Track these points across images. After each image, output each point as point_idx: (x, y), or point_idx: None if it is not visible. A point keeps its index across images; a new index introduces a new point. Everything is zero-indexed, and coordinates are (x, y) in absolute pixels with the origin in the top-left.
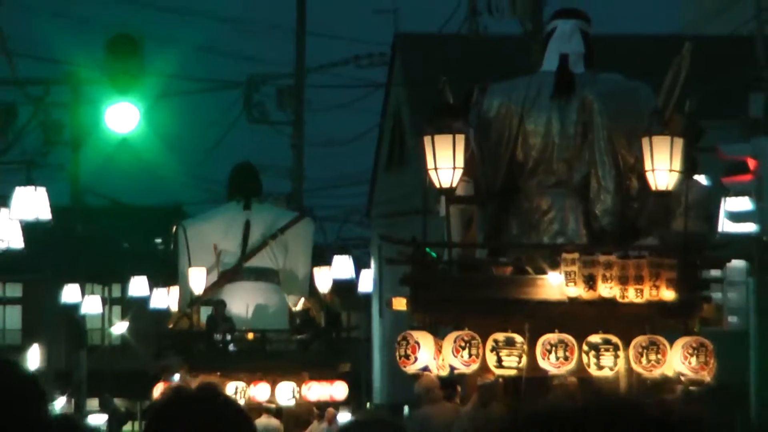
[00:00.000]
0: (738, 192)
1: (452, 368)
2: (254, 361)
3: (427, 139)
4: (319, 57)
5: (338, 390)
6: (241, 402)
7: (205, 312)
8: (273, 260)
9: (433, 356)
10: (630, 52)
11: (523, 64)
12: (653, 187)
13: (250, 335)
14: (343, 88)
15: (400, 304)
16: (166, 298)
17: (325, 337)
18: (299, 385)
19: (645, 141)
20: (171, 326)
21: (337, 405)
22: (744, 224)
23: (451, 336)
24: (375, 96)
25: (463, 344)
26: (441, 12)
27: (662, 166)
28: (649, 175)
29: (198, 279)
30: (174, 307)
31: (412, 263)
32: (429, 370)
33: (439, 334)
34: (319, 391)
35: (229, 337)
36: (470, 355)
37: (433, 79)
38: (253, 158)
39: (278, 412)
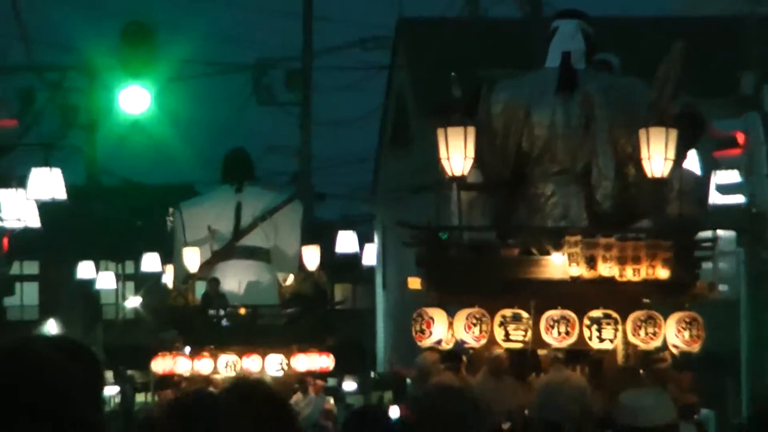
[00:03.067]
0: (728, 166)
1: (462, 342)
2: (246, 335)
3: (440, 131)
4: (326, 40)
5: (325, 362)
6: (232, 374)
7: (199, 289)
8: (264, 240)
9: (445, 331)
10: (627, 33)
11: (521, 46)
12: (649, 174)
13: (242, 310)
14: (348, 70)
15: (415, 283)
16: (165, 276)
17: (313, 312)
18: (288, 358)
19: (642, 132)
20: (169, 302)
21: (323, 376)
22: (734, 196)
23: (463, 313)
24: (379, 77)
25: (474, 321)
26: None
27: (658, 155)
28: (645, 163)
29: (193, 258)
30: (171, 285)
31: (426, 246)
32: (441, 344)
33: (448, 310)
34: (306, 362)
35: (222, 313)
36: (480, 331)
37: (434, 61)
38: (262, 138)
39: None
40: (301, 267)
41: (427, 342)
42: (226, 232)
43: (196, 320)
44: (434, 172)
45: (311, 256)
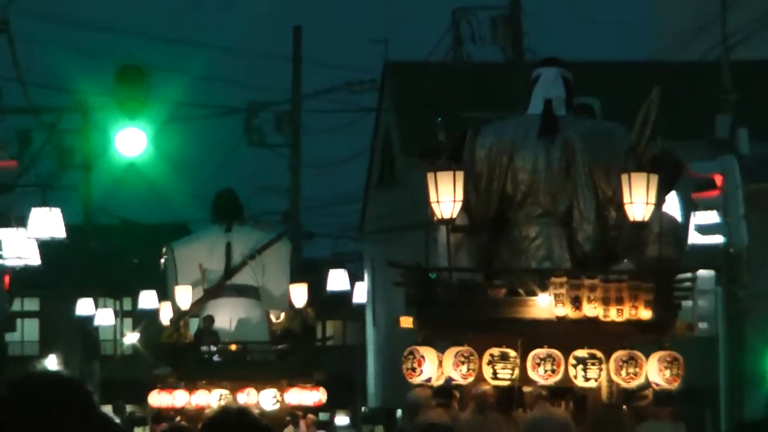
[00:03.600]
0: (706, 206)
1: (450, 379)
2: (237, 371)
3: (429, 175)
4: (315, 83)
5: (317, 396)
6: None
7: (193, 326)
8: (253, 278)
9: (435, 369)
10: (607, 77)
11: (503, 89)
12: (631, 218)
13: (233, 347)
14: (336, 112)
15: (407, 322)
16: (161, 313)
17: (301, 348)
18: (280, 392)
19: (624, 177)
20: (163, 339)
21: (314, 410)
22: (712, 236)
23: (452, 351)
24: (367, 120)
25: (463, 359)
26: (428, 41)
27: (639, 199)
28: (627, 207)
29: (185, 296)
30: (165, 322)
31: (416, 286)
32: (431, 381)
33: (438, 348)
34: (298, 396)
35: (214, 349)
36: (468, 369)
37: (420, 103)
38: (252, 179)
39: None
40: (290, 304)
41: (417, 379)
42: (216, 270)
43: (189, 356)
44: (421, 211)
45: (299, 294)
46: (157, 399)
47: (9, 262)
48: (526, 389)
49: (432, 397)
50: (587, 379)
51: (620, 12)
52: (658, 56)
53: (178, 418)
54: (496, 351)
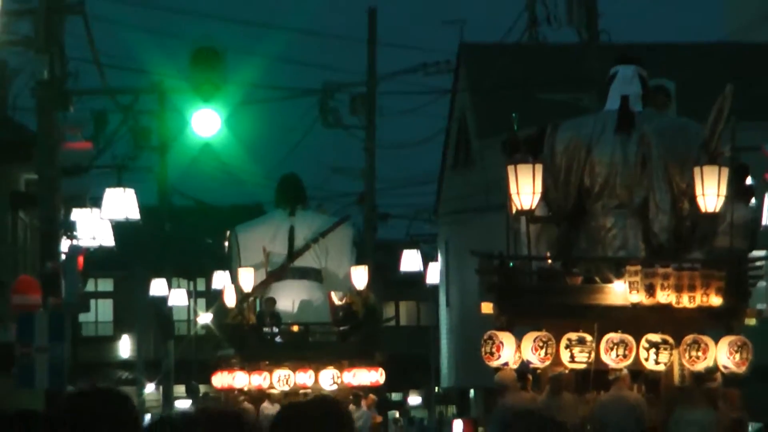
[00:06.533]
0: None
1: (527, 362)
2: (298, 351)
3: (510, 168)
4: (390, 65)
5: (375, 376)
6: (286, 388)
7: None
8: (316, 261)
9: (512, 354)
10: (680, 59)
11: (578, 69)
12: (703, 210)
13: (295, 328)
14: (411, 94)
15: (488, 308)
16: (225, 295)
17: (362, 329)
18: (340, 372)
19: (696, 170)
20: (227, 321)
21: (376, 390)
22: None
23: (531, 336)
24: (442, 101)
25: (541, 344)
26: (503, 22)
27: (711, 192)
28: (699, 200)
29: (248, 278)
30: (229, 304)
31: (497, 274)
32: (508, 365)
33: (515, 333)
34: (358, 377)
35: (276, 330)
36: (546, 353)
37: (495, 85)
38: (328, 160)
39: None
40: (352, 286)
41: (495, 363)
42: (279, 253)
43: (252, 337)
44: (496, 192)
45: (360, 276)
46: (220, 380)
47: (83, 243)
48: (614, 374)
49: (517, 380)
50: (657, 363)
51: None
52: (733, 37)
53: (242, 398)
54: (573, 336)
